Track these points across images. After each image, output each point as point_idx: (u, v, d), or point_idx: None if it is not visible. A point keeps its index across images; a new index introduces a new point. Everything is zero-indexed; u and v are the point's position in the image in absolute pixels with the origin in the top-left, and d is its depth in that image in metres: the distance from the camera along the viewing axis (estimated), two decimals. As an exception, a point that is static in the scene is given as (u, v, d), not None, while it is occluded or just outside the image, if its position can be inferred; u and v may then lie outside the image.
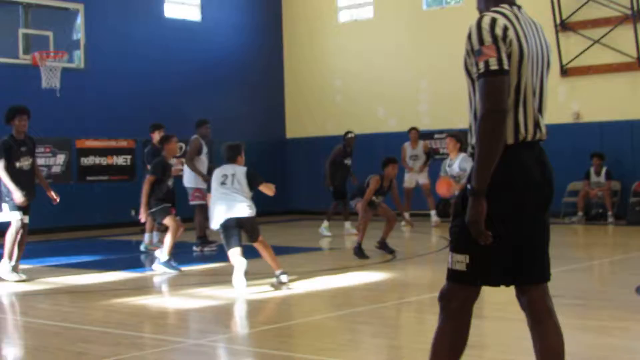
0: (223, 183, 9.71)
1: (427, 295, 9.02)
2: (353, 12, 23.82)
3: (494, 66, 3.79)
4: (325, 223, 16.52)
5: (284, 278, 9.62)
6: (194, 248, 14.00)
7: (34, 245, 16.62)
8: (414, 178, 18.85)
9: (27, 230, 11.07)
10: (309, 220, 18.19)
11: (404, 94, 22.06)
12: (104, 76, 19.91)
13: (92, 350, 6.67)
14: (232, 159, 9.95)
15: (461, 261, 3.95)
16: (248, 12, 23.59)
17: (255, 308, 8.85)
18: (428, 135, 21.33)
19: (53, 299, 9.65)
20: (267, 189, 9.77)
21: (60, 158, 19.58)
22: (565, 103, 19.50)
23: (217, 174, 9.89)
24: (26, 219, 10.97)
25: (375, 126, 22.27)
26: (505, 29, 3.85)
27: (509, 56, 3.84)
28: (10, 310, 8.92)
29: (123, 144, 20.50)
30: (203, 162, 14.25)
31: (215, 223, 9.72)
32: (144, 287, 10.41)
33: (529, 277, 4.05)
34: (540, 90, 4.02)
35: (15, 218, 10.84)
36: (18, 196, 10.69)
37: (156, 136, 14.35)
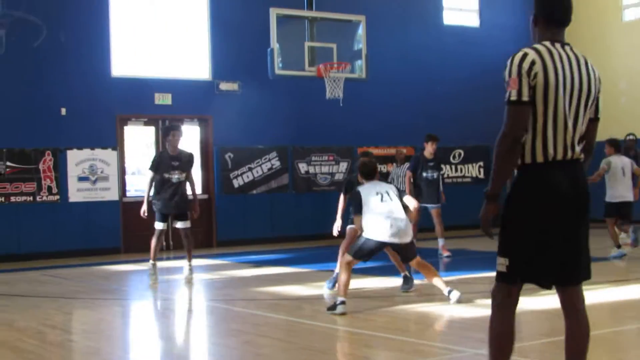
0: (383, 200, 9.26)
1: None
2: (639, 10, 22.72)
3: (513, 97, 4.40)
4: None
5: (453, 296, 9.25)
6: None
7: (320, 250, 17.24)
8: None
9: (187, 234, 12.28)
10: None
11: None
12: (385, 85, 20.33)
13: (374, 356, 6.81)
14: (372, 176, 9.60)
15: (502, 263, 4.59)
16: (526, 15, 23.12)
17: (536, 319, 8.62)
18: None
19: (337, 303, 9.94)
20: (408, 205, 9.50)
21: (343, 166, 20.22)
22: None
23: (370, 190, 9.37)
24: (180, 224, 12.22)
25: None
26: (533, 63, 4.43)
27: (534, 87, 4.41)
28: (297, 313, 9.29)
29: (403, 150, 20.80)
30: None
31: (375, 235, 9.12)
32: (427, 294, 10.47)
33: (561, 279, 4.62)
34: (577, 117, 4.50)
35: (156, 227, 12.13)
36: (143, 209, 12.05)
37: (428, 147, 14.69)
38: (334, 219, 10.79)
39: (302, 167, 19.83)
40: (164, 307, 10.74)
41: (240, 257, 15.88)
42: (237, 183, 19.09)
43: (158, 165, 12.14)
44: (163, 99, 18.29)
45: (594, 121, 4.71)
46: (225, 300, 10.59)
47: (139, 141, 18.88)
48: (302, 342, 7.61)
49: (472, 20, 22.68)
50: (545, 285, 4.66)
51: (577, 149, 4.55)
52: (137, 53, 18.31)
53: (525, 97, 4.40)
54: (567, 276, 4.64)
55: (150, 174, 12.22)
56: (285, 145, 19.62)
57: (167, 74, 18.50)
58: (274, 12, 15.96)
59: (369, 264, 14.18)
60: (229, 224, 18.67)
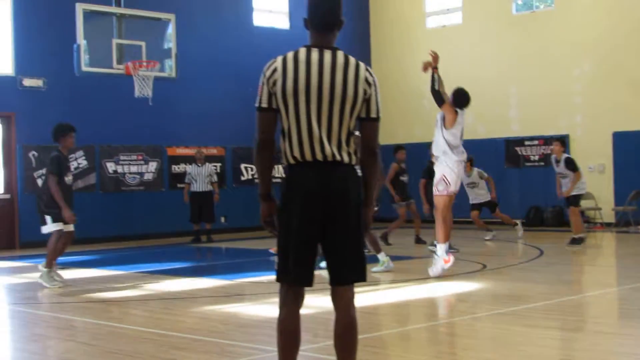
0: None
1: (519, 307, 8.88)
2: (441, 18, 23.66)
3: (256, 103, 4.72)
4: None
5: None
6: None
7: (127, 251, 16.95)
8: None
9: (72, 238, 11.54)
10: (402, 229, 17.99)
11: (492, 100, 21.78)
12: (195, 84, 20.22)
13: (183, 357, 6.75)
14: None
15: (275, 261, 4.84)
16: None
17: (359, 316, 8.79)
18: (518, 142, 21.05)
19: (146, 305, 9.82)
20: None
21: (152, 165, 19.93)
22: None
23: None
24: (71, 228, 11.42)
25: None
26: (274, 70, 4.67)
27: (275, 94, 4.66)
28: (104, 316, 9.09)
29: (213, 151, 20.76)
30: None
31: None
32: (236, 295, 10.49)
33: (333, 278, 4.83)
34: (330, 119, 4.64)
35: (57, 229, 11.27)
36: (69, 215, 11.11)
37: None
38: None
39: (110, 166, 19.40)
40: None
41: (44, 259, 15.33)
42: (41, 182, 18.41)
43: (61, 168, 11.22)
44: (-40, 94, 17.43)
45: (367, 121, 4.78)
46: (28, 304, 10.22)
47: None
48: (108, 345, 7.45)
49: (282, 22, 22.90)
50: (301, 283, 4.79)
51: (333, 150, 4.66)
52: None
53: (264, 104, 4.70)
54: (333, 276, 4.83)
55: (54, 177, 11.10)
56: (93, 144, 19.14)
57: (-34, 68, 17.66)
58: (80, 7, 15.55)
59: (177, 265, 14.09)
60: (32, 225, 17.89)
